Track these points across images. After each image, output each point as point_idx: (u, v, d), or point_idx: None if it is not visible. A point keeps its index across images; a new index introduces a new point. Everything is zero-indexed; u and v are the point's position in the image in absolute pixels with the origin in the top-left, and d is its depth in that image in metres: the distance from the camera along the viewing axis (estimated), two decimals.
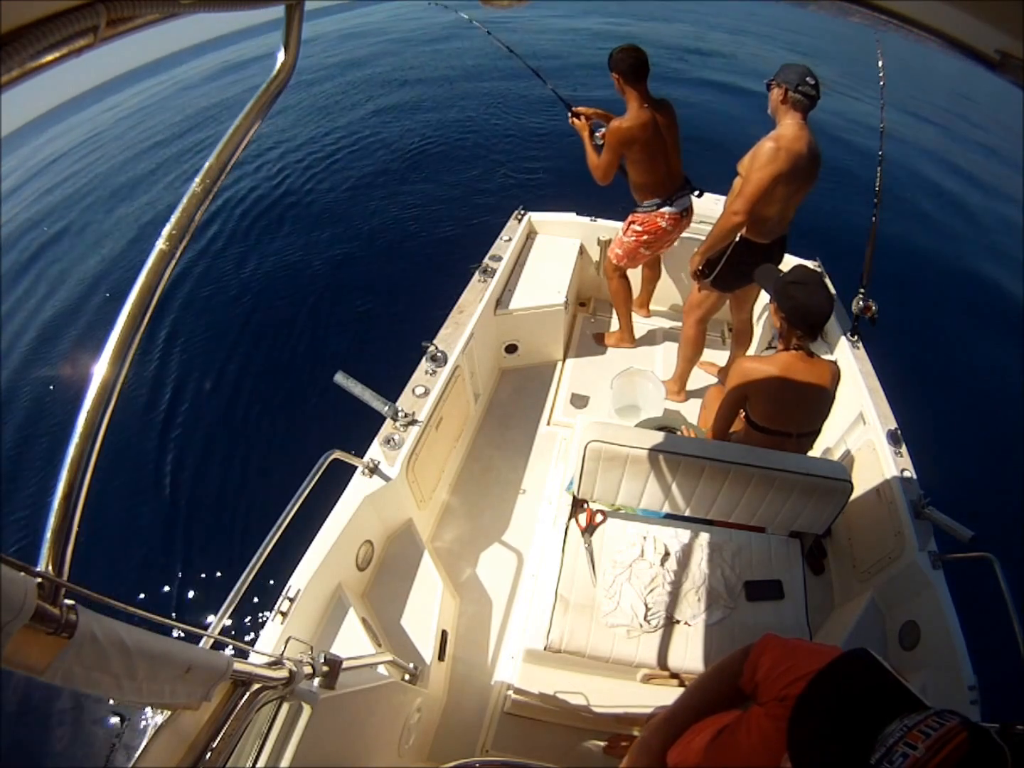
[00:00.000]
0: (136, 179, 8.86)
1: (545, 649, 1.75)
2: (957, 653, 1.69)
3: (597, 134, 2.75)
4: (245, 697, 0.92)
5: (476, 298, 2.77)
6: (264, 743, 1.01)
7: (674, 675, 1.78)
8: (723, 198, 3.01)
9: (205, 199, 0.72)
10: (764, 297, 3.02)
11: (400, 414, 2.13)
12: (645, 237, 2.85)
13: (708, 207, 3.03)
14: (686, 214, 2.83)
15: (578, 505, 2.05)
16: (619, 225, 3.38)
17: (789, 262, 2.91)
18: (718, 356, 3.36)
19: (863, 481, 2.28)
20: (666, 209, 2.75)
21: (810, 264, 3.15)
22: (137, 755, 0.77)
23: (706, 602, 1.85)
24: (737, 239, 2.43)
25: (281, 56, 0.78)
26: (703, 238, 2.56)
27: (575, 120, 2.80)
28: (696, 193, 2.81)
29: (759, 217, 2.32)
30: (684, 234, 2.99)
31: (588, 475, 1.87)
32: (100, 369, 0.65)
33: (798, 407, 1.93)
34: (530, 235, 3.44)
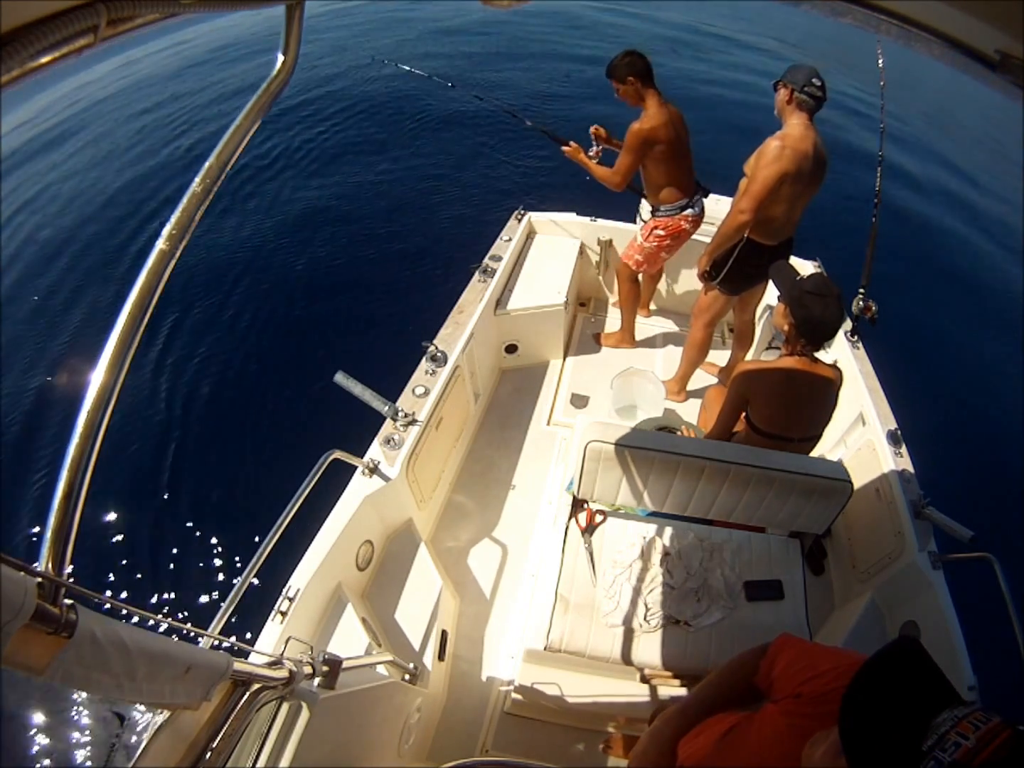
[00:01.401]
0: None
1: (545, 649, 1.75)
2: (957, 653, 1.69)
3: (591, 152, 2.79)
4: (245, 697, 0.92)
5: (476, 298, 2.77)
6: (264, 743, 1.01)
7: (674, 675, 1.78)
8: (723, 198, 3.02)
9: (205, 199, 0.72)
10: (766, 298, 3.01)
11: (400, 414, 2.13)
12: (667, 241, 2.84)
13: (710, 206, 3.03)
14: (702, 215, 2.84)
15: (578, 505, 2.05)
16: (619, 225, 3.39)
17: (793, 264, 2.91)
18: (718, 356, 3.35)
19: (863, 481, 2.28)
20: (689, 212, 2.75)
21: (810, 265, 3.16)
22: (137, 755, 0.77)
23: (706, 602, 1.85)
24: (743, 241, 2.42)
25: (281, 56, 0.78)
26: (708, 239, 2.56)
27: (564, 148, 2.82)
28: (706, 194, 2.82)
29: (765, 217, 2.31)
30: None
31: (588, 475, 1.87)
32: (100, 369, 0.65)
33: (800, 412, 1.92)
34: (530, 235, 3.44)
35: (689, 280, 3.49)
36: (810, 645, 0.97)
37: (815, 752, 0.71)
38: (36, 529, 3.33)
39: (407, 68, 3.65)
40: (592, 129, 2.82)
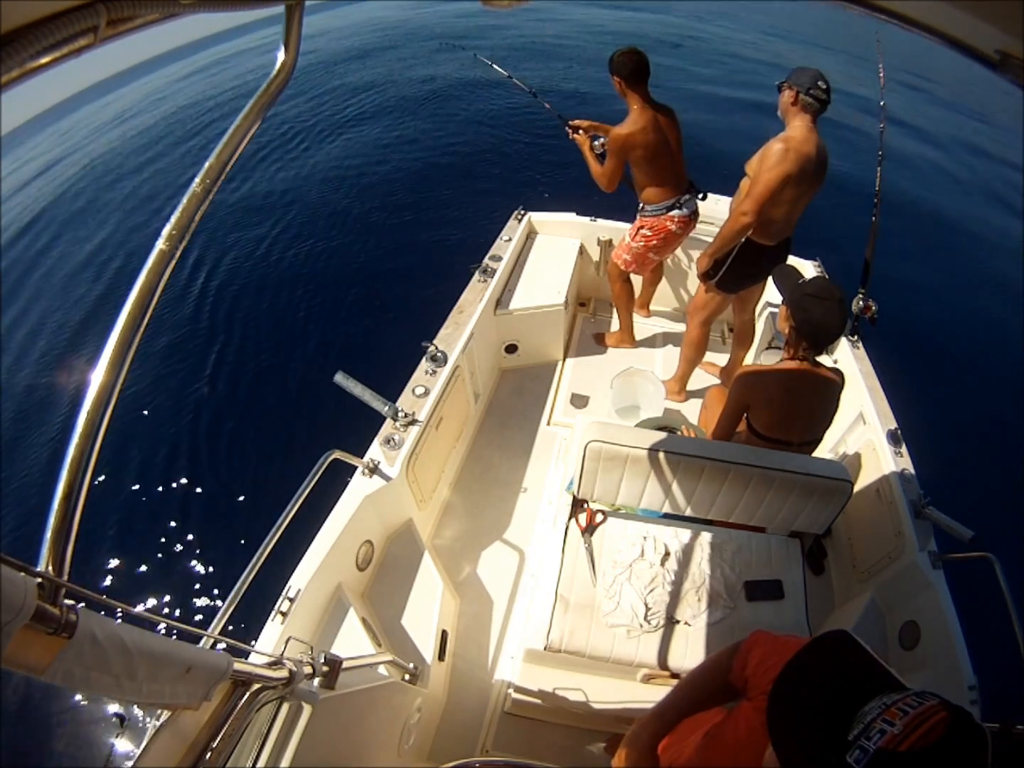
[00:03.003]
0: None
1: (545, 649, 1.75)
2: (957, 653, 1.69)
3: (596, 144, 2.79)
4: (245, 697, 0.92)
5: (476, 298, 2.77)
6: (264, 743, 1.01)
7: (674, 675, 1.78)
8: (722, 197, 3.01)
9: (205, 199, 0.72)
10: (765, 297, 3.01)
11: (400, 414, 2.13)
12: (654, 242, 2.83)
13: (708, 206, 3.03)
14: (694, 217, 2.82)
15: (578, 505, 2.05)
16: (619, 225, 3.39)
17: (795, 265, 2.91)
18: (718, 356, 3.35)
19: (863, 481, 2.28)
20: (675, 212, 2.74)
21: (810, 265, 3.15)
22: (137, 755, 0.77)
23: (706, 602, 1.85)
24: (743, 241, 2.42)
25: (281, 56, 0.78)
26: (707, 238, 2.56)
27: (574, 135, 2.84)
28: (700, 196, 2.80)
29: (766, 219, 2.31)
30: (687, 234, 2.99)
31: (588, 475, 1.87)
32: (100, 369, 0.64)
33: (800, 418, 1.91)
34: (530, 235, 3.44)
35: (690, 280, 3.49)
36: (782, 640, 0.96)
37: (766, 752, 0.71)
38: (36, 529, 3.33)
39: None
40: (572, 124, 2.83)
